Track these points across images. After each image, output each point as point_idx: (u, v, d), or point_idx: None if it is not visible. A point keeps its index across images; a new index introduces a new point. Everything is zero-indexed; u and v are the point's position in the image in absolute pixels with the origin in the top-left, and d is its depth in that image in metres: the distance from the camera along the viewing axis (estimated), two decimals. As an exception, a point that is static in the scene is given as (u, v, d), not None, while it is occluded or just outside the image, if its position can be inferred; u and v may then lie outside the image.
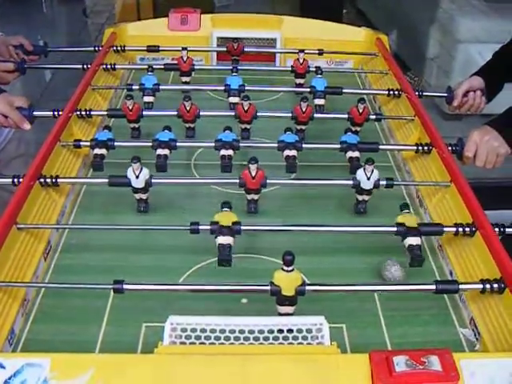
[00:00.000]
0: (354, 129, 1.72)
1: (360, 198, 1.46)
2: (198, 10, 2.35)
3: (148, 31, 2.31)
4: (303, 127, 1.74)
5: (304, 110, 1.69)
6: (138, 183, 1.40)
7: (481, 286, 1.15)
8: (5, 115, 1.67)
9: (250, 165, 1.38)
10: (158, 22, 2.35)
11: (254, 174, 1.39)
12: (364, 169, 1.41)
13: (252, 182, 1.41)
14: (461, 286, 1.18)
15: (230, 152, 1.54)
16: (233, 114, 1.71)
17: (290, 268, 1.09)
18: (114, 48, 2.17)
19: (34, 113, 1.68)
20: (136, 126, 1.76)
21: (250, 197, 1.45)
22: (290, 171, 1.55)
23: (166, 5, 4.59)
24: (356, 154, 1.57)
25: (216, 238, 1.24)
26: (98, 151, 1.56)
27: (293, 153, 1.55)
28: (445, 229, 1.32)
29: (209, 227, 1.26)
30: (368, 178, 1.41)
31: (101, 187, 1.51)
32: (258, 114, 1.70)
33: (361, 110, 1.71)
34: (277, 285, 1.10)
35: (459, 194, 1.39)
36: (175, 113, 1.71)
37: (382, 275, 1.27)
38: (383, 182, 1.44)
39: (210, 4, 5.13)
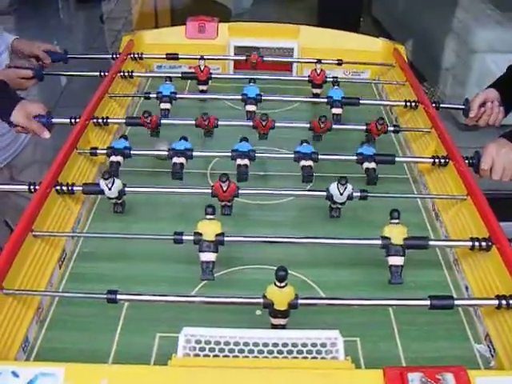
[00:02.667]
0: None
1: (334, 205, 1.48)
2: (216, 18, 2.35)
3: (165, 39, 2.32)
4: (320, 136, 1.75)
5: (322, 126, 1.70)
6: (112, 193, 1.43)
7: (496, 301, 1.14)
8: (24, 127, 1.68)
9: (222, 182, 1.40)
10: (176, 30, 2.36)
11: (225, 188, 1.42)
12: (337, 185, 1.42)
13: (224, 194, 1.43)
14: (476, 302, 1.18)
15: (246, 161, 1.55)
16: (251, 123, 1.71)
17: (283, 284, 1.10)
18: (132, 56, 2.17)
19: (53, 120, 1.69)
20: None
21: (223, 203, 1.47)
22: (306, 181, 1.55)
23: (184, 12, 4.62)
24: (372, 165, 1.57)
25: (199, 252, 1.25)
26: (114, 159, 1.57)
27: (309, 163, 1.56)
28: (461, 243, 1.31)
29: (192, 238, 1.27)
30: (341, 194, 1.43)
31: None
32: (276, 124, 1.71)
33: (379, 127, 1.72)
34: (269, 299, 1.11)
35: (475, 208, 1.38)
36: (193, 122, 1.71)
37: None
38: (356, 194, 1.45)
39: (226, 11, 5.15)
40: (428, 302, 1.14)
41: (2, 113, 1.70)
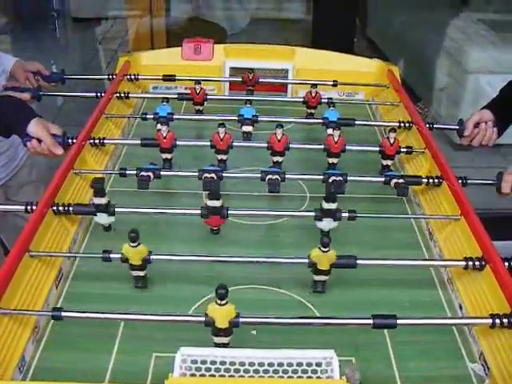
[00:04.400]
0: (385, 163, 1.76)
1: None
2: (211, 39, 2.37)
3: (161, 60, 2.34)
4: (335, 161, 1.74)
5: (336, 140, 1.71)
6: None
7: (490, 320, 1.15)
8: (39, 139, 1.69)
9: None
10: (172, 51, 2.38)
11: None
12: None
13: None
14: (470, 321, 1.19)
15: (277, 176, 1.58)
16: (265, 145, 1.72)
17: (224, 302, 1.11)
18: (128, 77, 2.19)
19: (69, 141, 1.70)
20: (169, 156, 1.75)
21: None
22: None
23: (179, 33, 4.65)
24: (401, 180, 1.61)
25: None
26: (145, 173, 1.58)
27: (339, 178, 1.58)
28: (455, 262, 1.33)
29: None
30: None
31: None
32: (290, 145, 1.72)
33: (392, 141, 1.73)
34: (210, 317, 1.12)
35: (469, 228, 1.39)
36: (208, 143, 1.72)
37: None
38: (345, 215, 1.45)
39: (221, 32, 5.18)
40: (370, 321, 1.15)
41: (19, 124, 1.71)
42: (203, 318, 1.12)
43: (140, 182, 1.57)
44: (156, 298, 1.31)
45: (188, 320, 1.17)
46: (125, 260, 1.29)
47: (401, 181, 1.60)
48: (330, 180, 1.57)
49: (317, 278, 1.31)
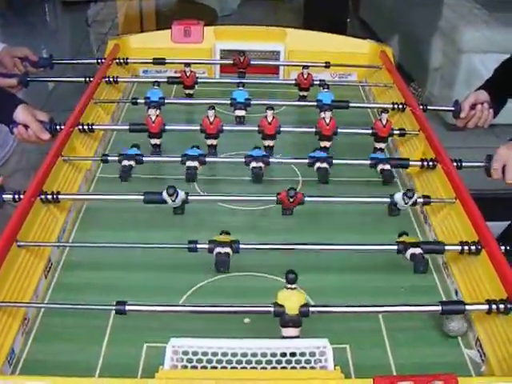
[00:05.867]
0: (378, 146, 1.74)
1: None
2: (201, 22, 2.34)
3: (151, 43, 2.31)
4: (327, 144, 1.72)
5: (328, 122, 1.68)
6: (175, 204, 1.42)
7: (487, 306, 1.13)
8: (26, 125, 1.67)
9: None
10: (161, 34, 2.34)
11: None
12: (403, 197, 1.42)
13: (289, 204, 1.42)
14: (466, 307, 1.17)
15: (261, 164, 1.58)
16: (256, 128, 1.70)
17: (294, 286, 1.08)
18: (117, 60, 2.16)
19: (57, 127, 1.69)
20: (158, 142, 1.72)
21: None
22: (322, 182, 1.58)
23: (169, 15, 4.61)
24: (387, 166, 1.59)
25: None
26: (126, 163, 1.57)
27: (324, 165, 1.57)
28: (450, 247, 1.31)
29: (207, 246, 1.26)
30: (406, 203, 1.43)
31: (102, 203, 1.51)
32: (281, 128, 1.70)
33: (384, 122, 1.71)
34: (280, 304, 1.08)
35: (464, 211, 1.37)
36: (198, 127, 1.70)
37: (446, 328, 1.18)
38: (420, 200, 1.46)
39: (212, 13, 5.14)
40: (439, 308, 1.13)
41: (4, 112, 1.69)
42: (272, 308, 1.09)
43: (122, 173, 1.56)
44: (147, 287, 1.28)
45: (256, 311, 1.13)
46: None
47: (386, 167, 1.58)
48: (316, 166, 1.57)
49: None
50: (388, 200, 1.44)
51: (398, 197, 1.43)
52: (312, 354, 0.97)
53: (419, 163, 1.60)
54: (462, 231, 1.36)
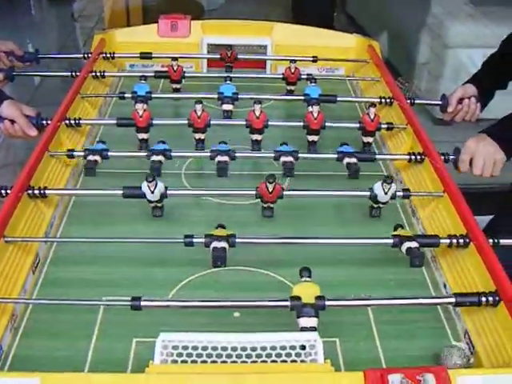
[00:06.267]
0: (366, 140, 1.74)
1: (375, 205, 1.47)
2: (188, 16, 2.33)
3: (137, 37, 2.30)
4: (315, 138, 1.72)
5: (315, 116, 1.68)
6: (154, 197, 1.41)
7: (476, 299, 1.13)
8: (13, 120, 1.66)
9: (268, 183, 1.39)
10: (148, 28, 2.33)
11: (271, 189, 1.40)
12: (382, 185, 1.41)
13: (269, 195, 1.41)
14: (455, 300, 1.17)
15: (226, 158, 1.56)
16: (244, 122, 1.70)
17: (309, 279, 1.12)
18: (104, 55, 2.14)
19: (43, 122, 1.68)
20: (145, 136, 1.71)
21: (266, 205, 1.45)
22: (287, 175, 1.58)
23: (156, 9, 4.58)
24: (354, 160, 1.58)
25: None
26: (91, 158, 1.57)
27: (290, 159, 1.57)
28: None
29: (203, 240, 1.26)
30: (385, 193, 1.42)
31: (89, 198, 1.50)
32: (269, 122, 1.69)
33: (372, 116, 1.70)
34: (297, 296, 1.10)
35: (452, 205, 1.38)
36: (185, 121, 1.69)
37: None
38: (400, 194, 1.45)
39: (199, 8, 5.12)
40: (453, 300, 1.14)
41: None
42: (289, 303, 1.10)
43: (86, 170, 1.57)
44: (135, 282, 1.28)
45: (272, 305, 1.13)
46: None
47: (353, 160, 1.58)
48: (281, 160, 1.58)
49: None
50: (367, 193, 1.44)
51: (377, 186, 1.42)
52: (302, 347, 0.97)
53: (407, 157, 1.60)
54: (451, 225, 1.36)
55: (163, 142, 1.60)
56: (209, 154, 1.58)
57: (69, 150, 1.60)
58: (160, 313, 1.16)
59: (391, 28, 4.78)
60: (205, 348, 0.96)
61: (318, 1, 5.07)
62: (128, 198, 1.42)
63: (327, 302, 1.10)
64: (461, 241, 1.28)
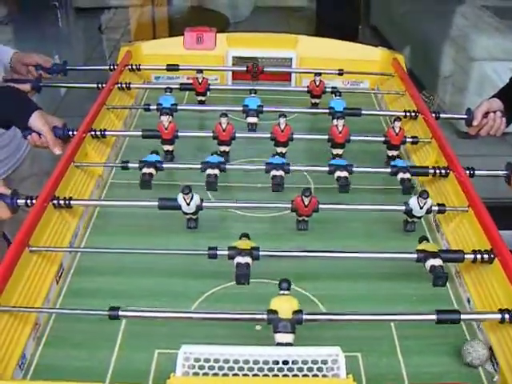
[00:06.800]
0: (390, 153, 1.73)
1: (410, 219, 1.46)
2: (214, 28, 2.34)
3: (163, 50, 2.31)
4: (340, 152, 1.71)
5: (340, 130, 1.68)
6: (189, 209, 1.41)
7: (499, 315, 1.12)
8: (40, 134, 1.66)
9: (304, 197, 1.38)
10: (174, 40, 2.35)
11: (306, 203, 1.39)
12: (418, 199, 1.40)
13: (304, 209, 1.41)
14: (478, 316, 1.16)
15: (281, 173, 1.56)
16: (268, 135, 1.70)
17: (287, 292, 1.10)
18: (129, 67, 2.16)
19: (69, 132, 1.68)
20: (170, 148, 1.72)
21: (300, 218, 1.45)
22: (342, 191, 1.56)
23: (182, 22, 4.62)
24: (407, 175, 1.58)
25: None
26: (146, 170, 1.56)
27: (344, 174, 1.56)
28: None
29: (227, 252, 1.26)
30: (421, 208, 1.41)
31: (114, 209, 1.51)
32: (294, 135, 1.69)
33: (397, 130, 1.70)
34: (274, 310, 1.08)
35: (477, 220, 1.36)
36: (210, 134, 1.70)
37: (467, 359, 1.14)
38: (435, 208, 1.44)
39: (224, 20, 5.15)
40: (434, 317, 1.12)
41: (20, 117, 1.67)
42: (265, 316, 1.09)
43: (142, 183, 1.55)
44: (158, 293, 1.28)
45: (248, 318, 1.13)
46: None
47: (407, 176, 1.57)
48: (336, 174, 1.55)
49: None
50: (403, 208, 1.43)
51: (413, 201, 1.41)
52: (324, 362, 0.96)
53: (432, 171, 1.59)
54: (475, 240, 1.35)
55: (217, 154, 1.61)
56: (264, 168, 1.56)
57: (123, 162, 1.60)
58: (182, 325, 1.17)
59: (416, 40, 4.77)
60: (226, 361, 0.96)
61: (343, 13, 5.07)
62: (162, 210, 1.42)
63: (305, 317, 1.08)
64: (485, 256, 1.26)
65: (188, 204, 1.39)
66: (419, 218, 1.45)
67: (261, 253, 1.26)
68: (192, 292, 1.28)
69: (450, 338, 1.18)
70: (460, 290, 1.31)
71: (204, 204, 1.42)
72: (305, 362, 0.96)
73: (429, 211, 1.42)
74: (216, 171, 1.55)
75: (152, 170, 1.56)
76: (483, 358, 1.11)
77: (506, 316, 1.11)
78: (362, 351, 1.14)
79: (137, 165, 1.57)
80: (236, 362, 0.96)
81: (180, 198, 1.39)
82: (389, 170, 1.59)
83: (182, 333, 1.15)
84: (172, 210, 1.41)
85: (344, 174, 1.55)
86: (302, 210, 1.42)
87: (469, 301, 1.27)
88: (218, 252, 1.26)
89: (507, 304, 1.15)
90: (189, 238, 1.45)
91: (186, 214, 1.43)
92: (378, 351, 1.15)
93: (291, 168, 1.57)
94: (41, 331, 1.18)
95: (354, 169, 1.56)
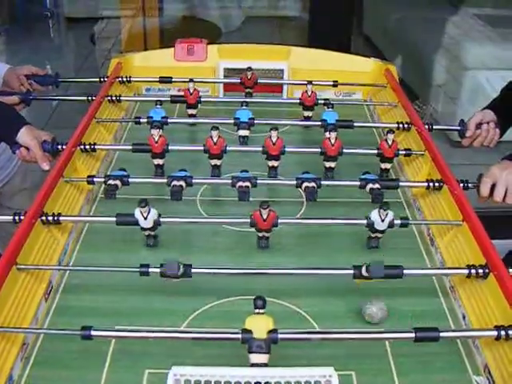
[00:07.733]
0: (383, 166, 1.72)
1: (373, 235, 1.43)
2: (205, 40, 2.33)
3: (154, 61, 2.30)
4: (332, 165, 1.70)
5: (333, 142, 1.66)
6: (147, 223, 1.38)
7: (495, 332, 1.10)
8: (28, 148, 1.65)
9: (262, 209, 1.35)
10: (164, 52, 2.33)
11: (265, 216, 1.36)
12: (379, 211, 1.37)
13: (263, 223, 1.38)
14: (474, 333, 1.15)
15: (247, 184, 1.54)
16: (260, 148, 1.68)
17: (262, 311, 1.07)
18: (120, 79, 2.14)
19: (58, 147, 1.67)
20: (160, 162, 1.70)
21: (261, 234, 1.43)
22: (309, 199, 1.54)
23: (173, 32, 4.61)
24: (377, 185, 1.55)
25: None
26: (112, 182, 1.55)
27: (312, 184, 1.54)
28: (457, 271, 1.29)
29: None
30: (382, 220, 1.38)
31: (103, 225, 1.49)
32: (286, 149, 1.67)
33: (390, 142, 1.68)
34: (248, 329, 1.06)
35: (472, 234, 1.35)
36: (201, 147, 1.68)
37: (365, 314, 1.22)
38: (397, 222, 1.40)
39: (216, 30, 5.14)
40: (412, 335, 1.10)
41: (8, 132, 1.66)
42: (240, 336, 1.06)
43: (107, 192, 1.55)
44: (148, 311, 1.26)
45: (224, 337, 1.10)
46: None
47: (376, 186, 1.54)
48: (303, 186, 1.54)
49: None
50: (364, 222, 1.40)
51: (374, 214, 1.38)
52: (317, 383, 0.94)
53: (425, 184, 1.57)
54: (470, 254, 1.33)
55: (184, 170, 1.59)
56: (230, 181, 1.55)
57: (89, 177, 1.58)
58: (172, 344, 1.14)
59: (408, 49, 4.77)
60: (217, 382, 0.94)
61: (336, 23, 5.07)
62: (121, 226, 1.41)
63: (280, 336, 1.06)
64: (480, 271, 1.25)
65: (145, 218, 1.36)
66: (382, 232, 1.42)
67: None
68: (183, 309, 1.26)
69: (445, 355, 1.16)
70: (455, 306, 1.29)
71: (161, 219, 1.39)
72: (298, 383, 0.94)
73: (391, 225, 1.39)
74: (181, 183, 1.54)
75: (117, 182, 1.55)
76: (376, 317, 1.21)
77: (502, 333, 1.10)
78: (357, 370, 1.12)
79: (103, 179, 1.57)
80: (227, 383, 0.94)
81: (137, 212, 1.36)
82: (358, 182, 1.57)
83: (173, 352, 1.13)
84: (130, 225, 1.39)
85: (311, 185, 1.54)
86: (261, 225, 1.38)
87: (464, 316, 1.25)
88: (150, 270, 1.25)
89: (502, 320, 1.14)
90: (175, 253, 1.42)
91: (144, 229, 1.40)
92: (372, 370, 1.13)
93: (258, 182, 1.55)
94: (29, 351, 1.15)
95: (322, 182, 1.55)
